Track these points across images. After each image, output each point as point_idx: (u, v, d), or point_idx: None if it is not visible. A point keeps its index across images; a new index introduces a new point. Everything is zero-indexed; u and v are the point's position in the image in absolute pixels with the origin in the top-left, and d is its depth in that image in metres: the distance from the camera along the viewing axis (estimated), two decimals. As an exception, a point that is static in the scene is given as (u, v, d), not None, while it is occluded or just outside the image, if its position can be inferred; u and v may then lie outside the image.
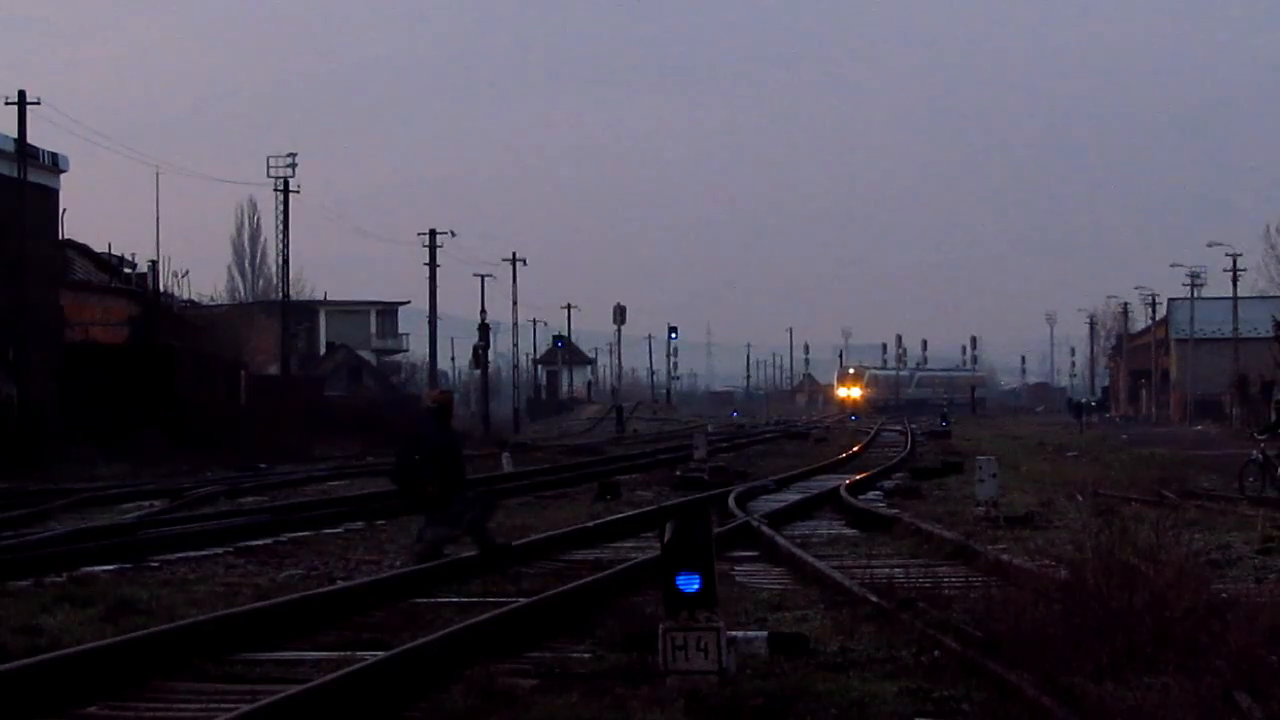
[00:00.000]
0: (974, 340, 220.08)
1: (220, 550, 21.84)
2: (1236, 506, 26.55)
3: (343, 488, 38.15)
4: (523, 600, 14.99)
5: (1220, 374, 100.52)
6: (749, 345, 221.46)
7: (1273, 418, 32.36)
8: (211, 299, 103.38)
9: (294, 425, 64.31)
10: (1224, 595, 12.87)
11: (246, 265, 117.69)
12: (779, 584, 17.58)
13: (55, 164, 57.03)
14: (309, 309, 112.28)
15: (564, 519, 26.50)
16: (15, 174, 52.39)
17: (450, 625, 13.33)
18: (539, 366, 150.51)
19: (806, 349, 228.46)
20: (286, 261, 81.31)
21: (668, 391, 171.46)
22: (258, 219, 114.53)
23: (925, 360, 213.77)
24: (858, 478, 36.22)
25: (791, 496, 31.36)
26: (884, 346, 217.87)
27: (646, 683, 10.98)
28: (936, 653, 11.81)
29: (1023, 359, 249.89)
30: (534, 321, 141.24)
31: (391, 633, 13.71)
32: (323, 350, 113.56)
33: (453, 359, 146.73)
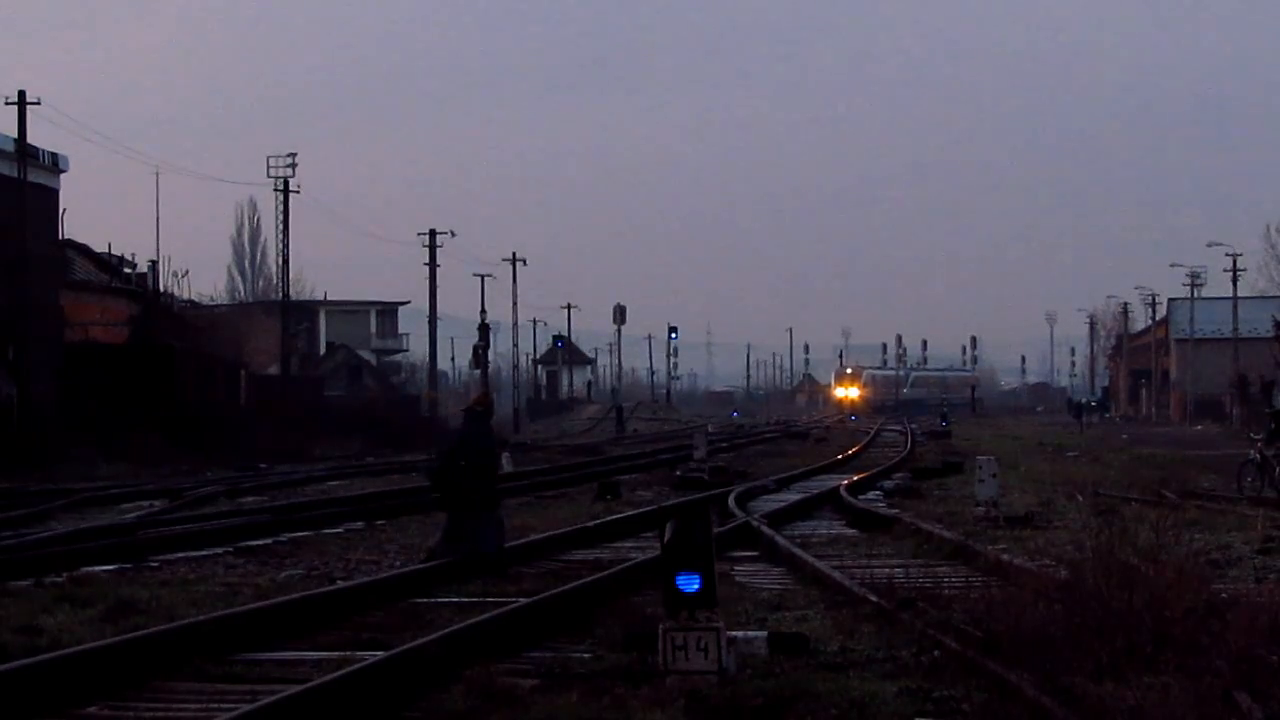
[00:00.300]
0: (974, 340, 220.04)
1: (220, 550, 21.84)
2: (1236, 506, 26.55)
3: (343, 488, 38.15)
4: (523, 600, 14.99)
5: (1220, 374, 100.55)
6: (749, 345, 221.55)
7: (1272, 426, 32.26)
8: (211, 299, 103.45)
9: (294, 425, 64.28)
10: (1224, 595, 12.87)
11: (246, 265, 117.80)
12: (779, 584, 17.59)
13: (55, 164, 57.00)
14: (309, 309, 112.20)
15: (564, 519, 26.50)
16: (15, 174, 52.37)
17: (450, 625, 13.33)
18: (539, 366, 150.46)
19: (806, 349, 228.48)
20: (286, 261, 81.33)
21: (668, 391, 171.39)
22: (258, 219, 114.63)
23: (925, 360, 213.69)
24: (858, 478, 36.22)
25: (791, 496, 31.36)
26: (884, 346, 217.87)
27: (646, 683, 10.98)
28: (936, 653, 11.82)
29: (1023, 359, 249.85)
30: (534, 321, 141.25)
31: (391, 633, 13.71)
32: (323, 350, 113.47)
33: (453, 359, 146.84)
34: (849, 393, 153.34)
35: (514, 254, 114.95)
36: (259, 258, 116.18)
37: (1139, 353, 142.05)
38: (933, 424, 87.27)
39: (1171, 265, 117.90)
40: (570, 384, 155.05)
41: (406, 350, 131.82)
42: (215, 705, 10.69)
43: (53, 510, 29.47)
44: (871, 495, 32.23)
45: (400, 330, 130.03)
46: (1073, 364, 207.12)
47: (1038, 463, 45.37)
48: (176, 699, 11.19)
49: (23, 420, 49.73)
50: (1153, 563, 11.94)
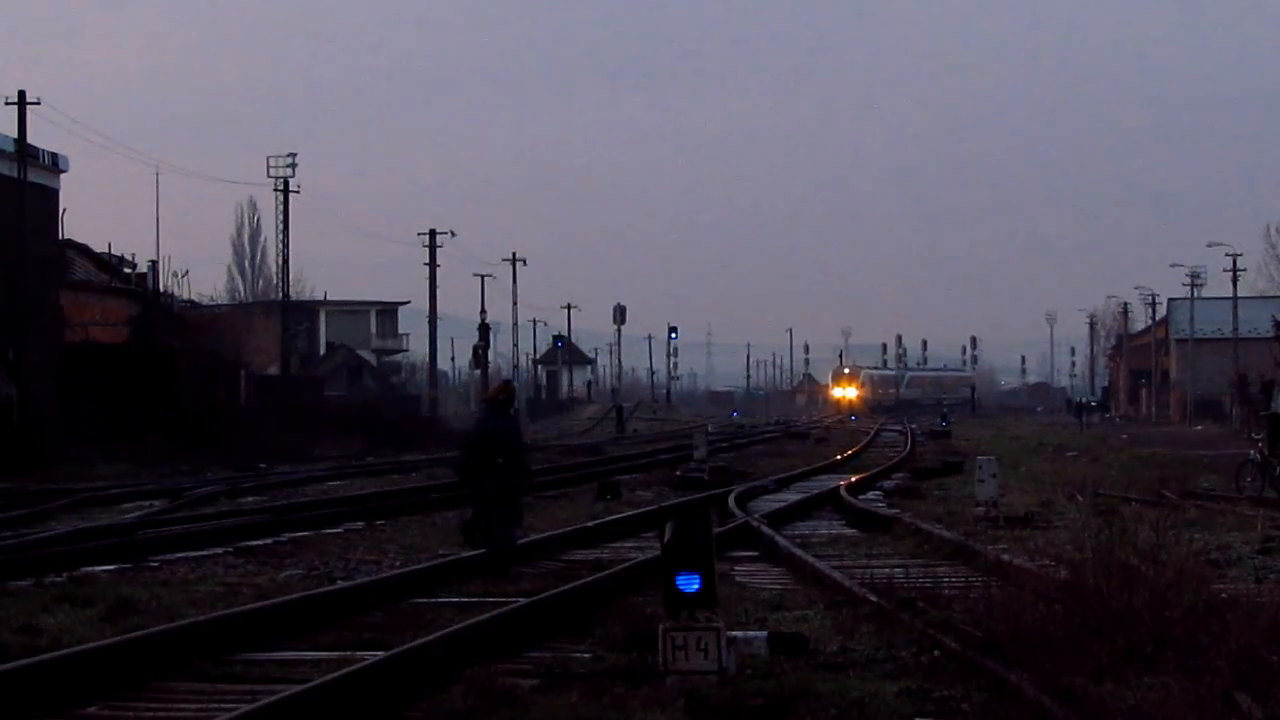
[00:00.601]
0: (974, 340, 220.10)
1: (220, 550, 21.84)
2: (1236, 506, 26.55)
3: (343, 488, 38.15)
4: (523, 600, 14.99)
5: (1220, 374, 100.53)
6: (749, 345, 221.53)
7: (1270, 430, 32.24)
8: (211, 299, 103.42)
9: (294, 425, 64.25)
10: (1224, 595, 12.86)
11: (246, 265, 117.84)
12: (779, 584, 17.59)
13: (55, 164, 56.99)
14: (309, 309, 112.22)
15: (564, 519, 26.52)
16: (15, 174, 52.35)
17: (450, 625, 13.33)
18: (539, 366, 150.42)
19: (806, 349, 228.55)
20: (286, 261, 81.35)
21: (668, 391, 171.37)
22: (258, 219, 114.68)
23: (925, 360, 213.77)
24: (857, 478, 36.23)
25: (791, 496, 31.36)
26: (884, 346, 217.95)
27: (646, 683, 10.99)
28: (936, 653, 11.81)
29: (1023, 359, 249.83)
30: (534, 321, 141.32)
31: (391, 633, 13.70)
32: (323, 350, 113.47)
33: (453, 359, 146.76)
34: (846, 393, 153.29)
35: (514, 254, 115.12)
36: (259, 258, 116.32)
37: (1139, 353, 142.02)
38: (931, 424, 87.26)
39: (1171, 265, 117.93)
40: (570, 384, 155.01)
41: (406, 350, 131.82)
42: (215, 705, 10.69)
43: (53, 510, 29.47)
44: (871, 495, 32.24)
45: (400, 330, 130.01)
46: (1073, 364, 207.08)
47: (1038, 463, 45.39)
48: (176, 699, 11.19)
49: (23, 420, 49.72)
50: (1153, 563, 11.94)
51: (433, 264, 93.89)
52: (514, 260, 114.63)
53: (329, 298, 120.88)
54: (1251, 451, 32.35)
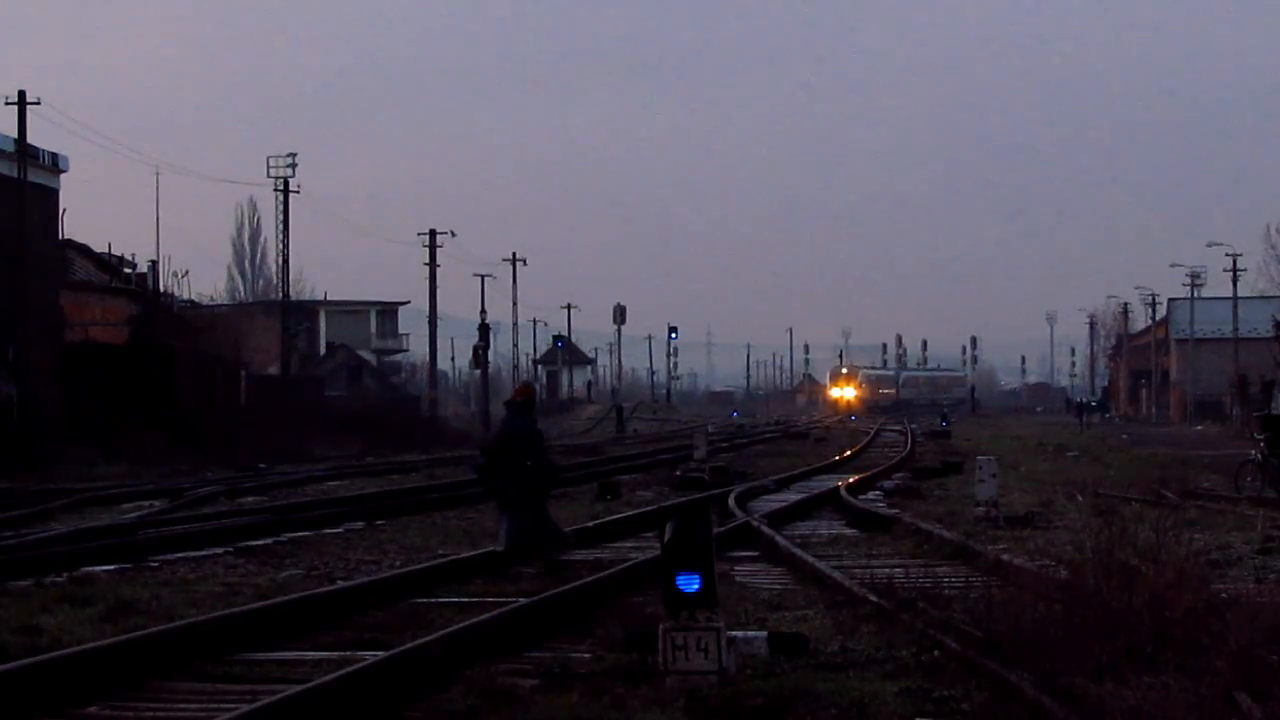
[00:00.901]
0: (974, 340, 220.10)
1: (220, 550, 21.84)
2: (1236, 506, 26.55)
3: (343, 488, 38.16)
4: (523, 600, 14.99)
5: (1220, 374, 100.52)
6: (749, 345, 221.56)
7: (1269, 433, 32.24)
8: (211, 299, 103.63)
9: (294, 425, 64.28)
10: (1224, 595, 12.87)
11: (246, 265, 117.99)
12: (779, 584, 17.59)
13: (55, 164, 57.00)
14: (309, 309, 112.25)
15: (564, 519, 26.44)
16: (15, 174, 52.37)
17: (450, 625, 13.33)
18: (539, 366, 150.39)
19: (806, 349, 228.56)
20: (286, 261, 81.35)
21: (668, 391, 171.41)
22: (258, 219, 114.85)
23: (925, 360, 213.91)
24: (857, 478, 36.23)
25: (791, 496, 31.36)
26: (884, 346, 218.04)
27: (646, 683, 10.99)
28: (936, 653, 11.81)
29: (1023, 359, 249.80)
30: (534, 321, 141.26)
31: (391, 633, 13.70)
32: (323, 350, 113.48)
33: (453, 359, 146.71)
34: (844, 393, 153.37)
35: (514, 254, 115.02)
36: (259, 258, 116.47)
37: (1139, 353, 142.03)
38: (930, 424, 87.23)
39: (1171, 265, 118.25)
40: (570, 384, 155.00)
41: (406, 350, 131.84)
42: (215, 705, 10.69)
43: (53, 510, 29.47)
44: (871, 495, 32.24)
45: (400, 330, 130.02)
46: (1073, 364, 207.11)
47: (1038, 463, 45.40)
48: (176, 699, 11.19)
49: (23, 420, 49.72)
50: (1153, 563, 11.94)
51: (433, 264, 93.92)
52: (514, 260, 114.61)
53: (329, 298, 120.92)
54: (1253, 451, 32.34)
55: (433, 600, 16.11)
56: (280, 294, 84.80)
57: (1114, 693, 9.99)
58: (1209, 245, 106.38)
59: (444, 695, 10.96)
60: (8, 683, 10.47)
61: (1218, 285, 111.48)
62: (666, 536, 11.01)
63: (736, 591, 16.53)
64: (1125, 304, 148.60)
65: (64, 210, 58.85)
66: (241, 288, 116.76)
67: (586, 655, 12.63)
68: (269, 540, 23.32)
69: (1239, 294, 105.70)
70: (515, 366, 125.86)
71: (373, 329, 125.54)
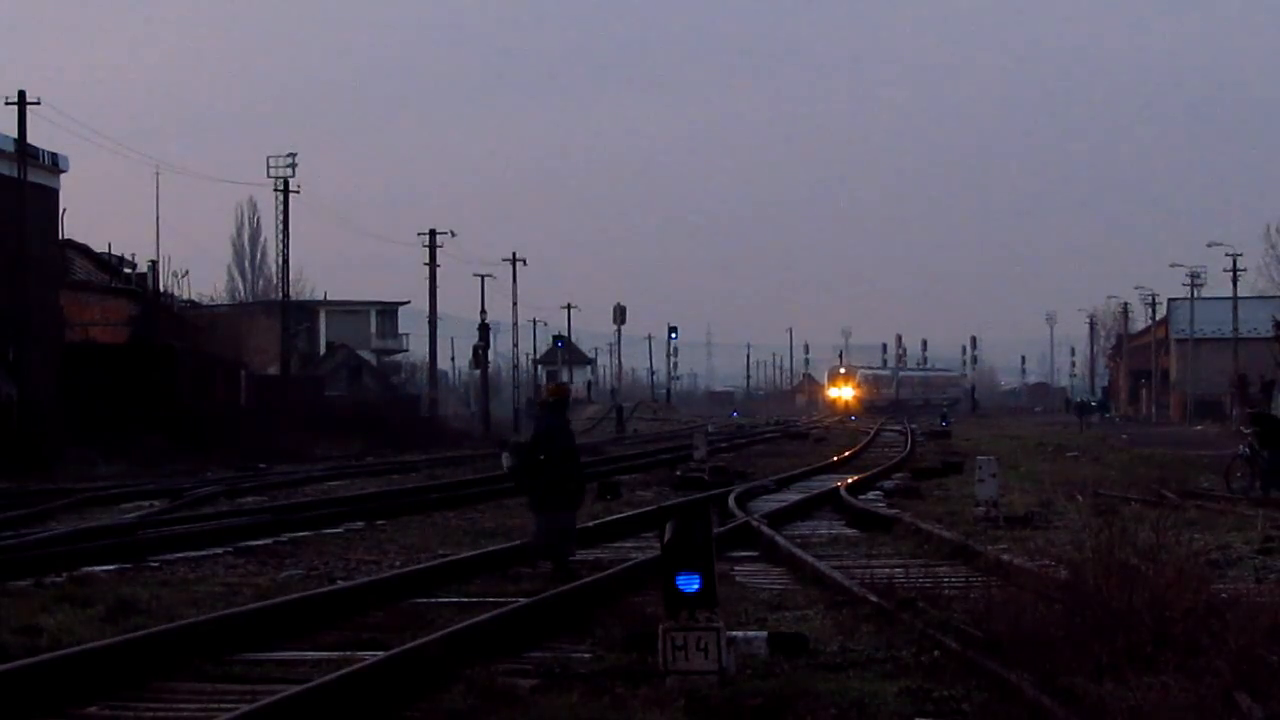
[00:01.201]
0: (974, 340, 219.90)
1: (220, 550, 21.85)
2: (1236, 506, 26.56)
3: (343, 488, 38.17)
4: (523, 600, 14.99)
5: (1220, 374, 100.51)
6: (749, 345, 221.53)
7: (1257, 429, 32.38)
8: (211, 299, 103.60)
9: (294, 425, 64.29)
10: (1224, 595, 12.87)
11: (246, 265, 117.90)
12: (779, 584, 17.59)
13: (55, 164, 57.01)
14: (309, 309, 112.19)
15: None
16: (15, 174, 52.37)
17: (450, 625, 13.32)
18: (539, 366, 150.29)
19: (806, 349, 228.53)
20: (286, 261, 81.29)
21: (668, 391, 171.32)
22: (258, 219, 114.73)
23: (925, 360, 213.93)
24: (857, 478, 36.23)
25: (791, 496, 31.36)
26: (884, 346, 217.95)
27: (646, 683, 10.98)
28: (936, 653, 11.82)
29: (1023, 359, 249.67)
30: (534, 321, 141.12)
31: (391, 633, 13.70)
32: (323, 350, 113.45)
33: (453, 359, 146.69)
34: (842, 393, 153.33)
35: (514, 254, 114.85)
36: (259, 258, 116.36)
37: (1139, 353, 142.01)
38: (930, 423, 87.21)
39: (1171, 265, 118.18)
40: (570, 384, 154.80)
41: (406, 350, 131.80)
42: (215, 705, 10.69)
43: (53, 510, 29.48)
44: (871, 495, 32.24)
45: (400, 330, 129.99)
46: (1073, 364, 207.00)
47: (1038, 463, 45.38)
48: (176, 699, 11.19)
49: (23, 420, 49.73)
50: (1153, 563, 11.94)
51: (433, 264, 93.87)
52: (514, 260, 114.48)
53: (329, 298, 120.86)
54: (1241, 446, 32.47)
55: (433, 600, 16.12)
56: (280, 294, 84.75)
57: (1114, 693, 9.99)
58: (1209, 245, 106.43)
59: (444, 695, 10.96)
60: (8, 683, 10.47)
61: (1218, 285, 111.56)
62: (666, 536, 11.01)
63: (736, 591, 16.54)
64: (1125, 304, 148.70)
65: (64, 210, 58.93)
66: (241, 288, 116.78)
67: (586, 655, 12.63)
68: (269, 540, 23.32)
69: (1239, 294, 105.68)
70: (515, 366, 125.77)
71: (373, 329, 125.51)
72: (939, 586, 15.76)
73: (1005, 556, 17.69)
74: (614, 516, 26.26)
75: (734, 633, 11.65)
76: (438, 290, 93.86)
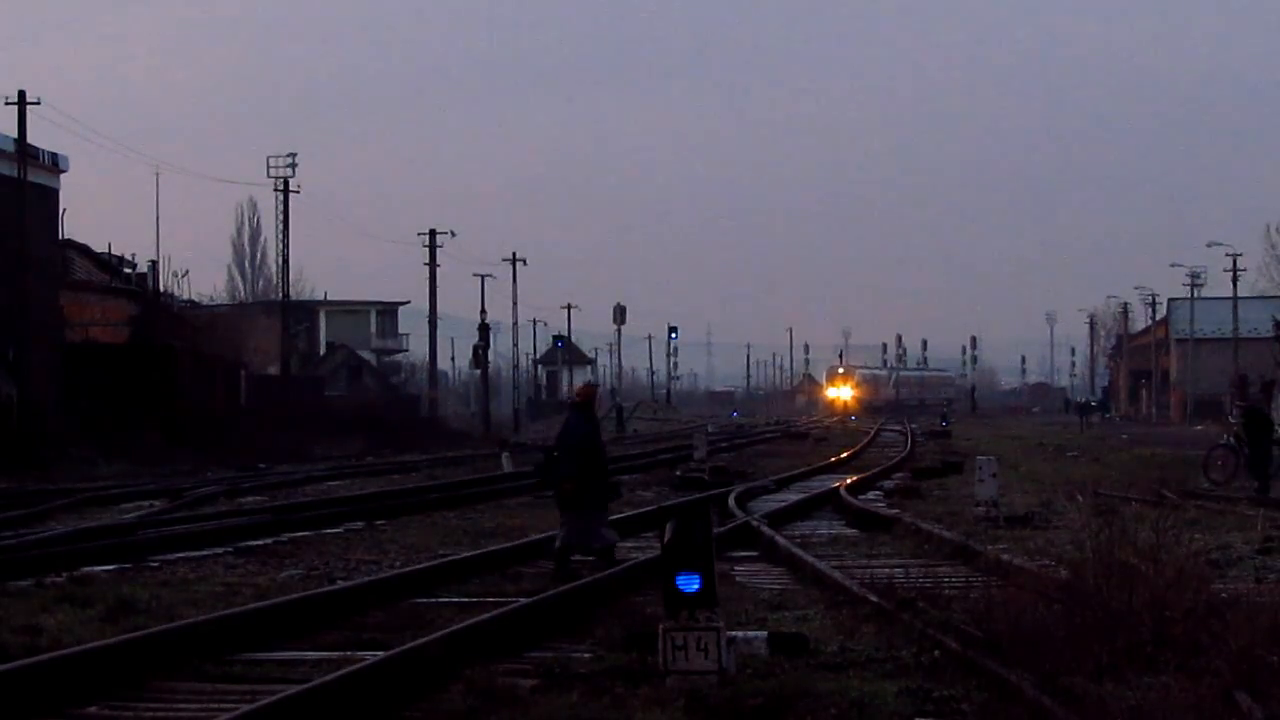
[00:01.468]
0: (974, 340, 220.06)
1: (220, 550, 21.84)
2: (1236, 506, 26.57)
3: (343, 488, 38.16)
4: (523, 600, 14.99)
5: (1220, 374, 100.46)
6: (749, 345, 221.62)
7: (1244, 420, 32.64)
8: (211, 299, 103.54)
9: (294, 425, 64.30)
10: (1224, 595, 12.87)
11: (246, 265, 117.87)
12: (779, 584, 17.59)
13: (55, 164, 57.03)
14: (309, 309, 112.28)
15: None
16: (15, 174, 52.39)
17: (450, 625, 13.32)
18: (539, 366, 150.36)
19: (806, 349, 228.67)
20: (286, 261, 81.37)
21: (668, 391, 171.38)
22: (258, 219, 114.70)
23: (925, 360, 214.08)
24: (857, 478, 36.22)
25: (791, 496, 31.36)
26: (884, 346, 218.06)
27: (646, 683, 10.98)
28: (936, 653, 11.81)
29: (1023, 359, 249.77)
30: (534, 321, 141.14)
31: (391, 633, 13.70)
32: (323, 350, 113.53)
33: (453, 359, 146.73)
34: (840, 393, 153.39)
35: (514, 254, 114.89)
36: (259, 258, 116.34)
37: (1139, 353, 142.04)
38: (927, 424, 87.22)
39: (1171, 265, 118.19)
40: (570, 384, 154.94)
41: (406, 350, 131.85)
42: (215, 705, 10.69)
43: (53, 510, 29.47)
44: (871, 495, 32.23)
45: (400, 330, 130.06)
46: (1073, 364, 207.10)
47: (1038, 463, 45.38)
48: (176, 699, 11.19)
49: (23, 420, 49.74)
50: (1153, 563, 11.93)
51: (433, 264, 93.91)
52: (514, 260, 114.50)
53: (329, 298, 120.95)
54: (1225, 435, 32.63)
55: (433, 600, 16.11)
56: (280, 294, 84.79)
57: (1114, 693, 9.99)
58: (1209, 245, 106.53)
59: (444, 695, 10.96)
60: (8, 683, 10.47)
61: (1218, 285, 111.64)
62: (666, 536, 11.01)
63: (736, 591, 16.53)
64: (1125, 304, 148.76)
65: (64, 210, 58.98)
66: (241, 288, 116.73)
67: (586, 655, 12.63)
68: (269, 540, 23.32)
69: (1239, 294, 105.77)
70: (515, 366, 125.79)
71: (373, 329, 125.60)
72: (939, 586, 15.75)
73: (1005, 556, 17.69)
74: (614, 516, 26.16)
75: (734, 633, 11.64)
76: (438, 290, 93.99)
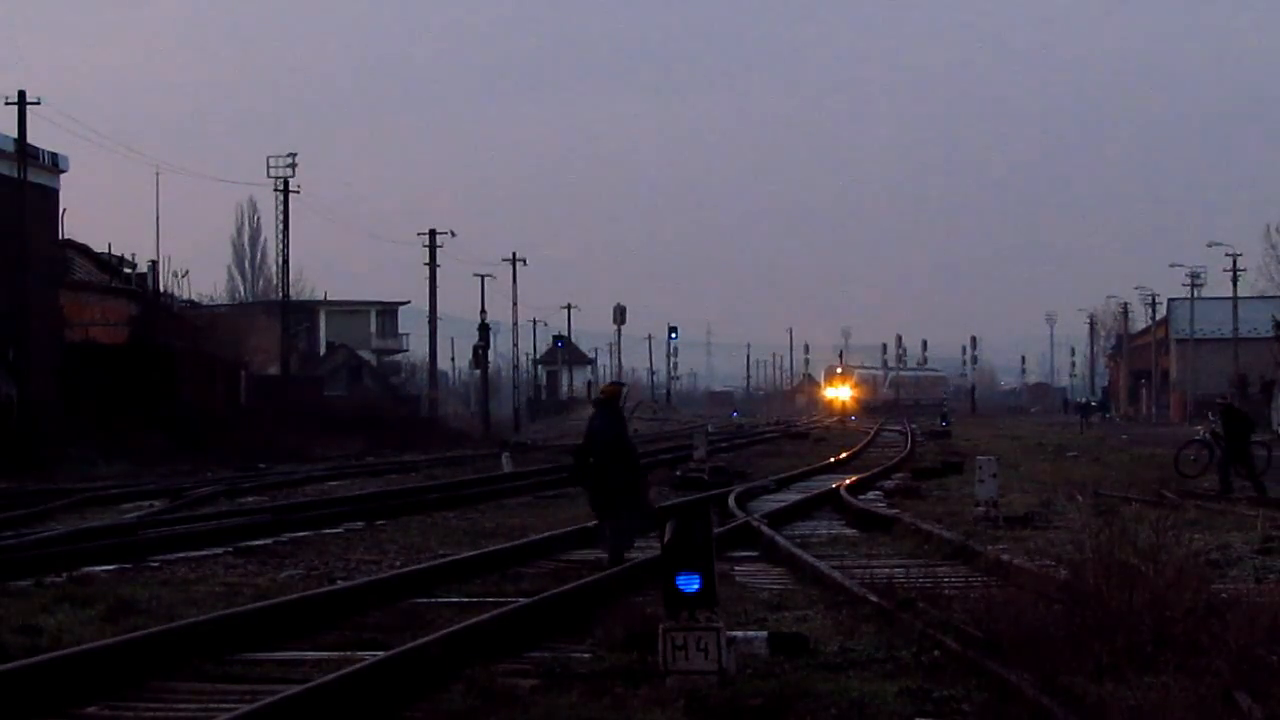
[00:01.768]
0: (974, 340, 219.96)
1: (220, 550, 21.84)
2: (1236, 506, 26.58)
3: (343, 488, 38.16)
4: (523, 600, 14.99)
5: (1220, 374, 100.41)
6: (749, 345, 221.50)
7: (1224, 420, 32.73)
8: (211, 299, 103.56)
9: (294, 425, 64.29)
10: (1224, 595, 12.87)
11: (246, 265, 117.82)
12: (779, 584, 17.59)
13: (55, 164, 57.03)
14: (309, 309, 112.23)
15: (564, 519, 26.52)
16: (15, 174, 52.38)
17: (450, 625, 13.32)
18: (539, 366, 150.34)
19: (806, 349, 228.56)
20: (286, 261, 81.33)
21: (668, 391, 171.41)
22: (258, 219, 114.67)
23: (925, 360, 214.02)
24: (857, 478, 36.22)
25: (791, 496, 31.36)
26: (884, 346, 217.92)
27: (646, 683, 10.98)
28: (936, 653, 11.81)
29: (1023, 359, 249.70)
30: (534, 321, 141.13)
31: (391, 633, 13.69)
32: (323, 350, 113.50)
33: (453, 359, 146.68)
34: (839, 393, 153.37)
35: (514, 254, 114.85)
36: (259, 258, 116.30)
37: (1139, 353, 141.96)
38: (927, 424, 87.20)
39: (1171, 265, 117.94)
40: (570, 384, 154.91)
41: (406, 350, 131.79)
42: (215, 705, 10.69)
43: (53, 510, 29.47)
44: (871, 495, 32.23)
45: (400, 330, 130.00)
46: (1073, 364, 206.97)
47: (1038, 463, 45.36)
48: (176, 699, 11.18)
49: (23, 420, 49.73)
50: (1153, 563, 11.93)
51: (433, 264, 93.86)
52: (514, 260, 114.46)
53: (329, 298, 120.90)
54: (1200, 429, 32.79)
55: (433, 600, 16.11)
56: (280, 294, 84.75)
57: (1114, 693, 9.99)
58: (1209, 245, 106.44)
59: (444, 695, 10.96)
60: (8, 683, 10.47)
61: (1218, 285, 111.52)
62: (666, 536, 11.01)
63: (736, 591, 16.53)
64: (1125, 304, 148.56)
65: (64, 210, 58.96)
66: (241, 288, 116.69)
67: (586, 655, 12.63)
68: (269, 540, 23.32)
69: (1239, 294, 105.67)
70: (515, 366, 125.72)
71: (373, 329, 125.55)
72: (939, 586, 15.75)
73: (1005, 556, 17.68)
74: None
75: (734, 633, 11.64)
76: (438, 290, 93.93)
